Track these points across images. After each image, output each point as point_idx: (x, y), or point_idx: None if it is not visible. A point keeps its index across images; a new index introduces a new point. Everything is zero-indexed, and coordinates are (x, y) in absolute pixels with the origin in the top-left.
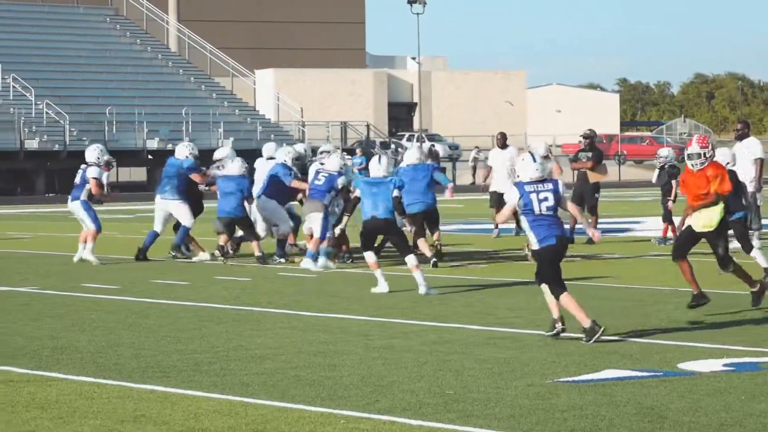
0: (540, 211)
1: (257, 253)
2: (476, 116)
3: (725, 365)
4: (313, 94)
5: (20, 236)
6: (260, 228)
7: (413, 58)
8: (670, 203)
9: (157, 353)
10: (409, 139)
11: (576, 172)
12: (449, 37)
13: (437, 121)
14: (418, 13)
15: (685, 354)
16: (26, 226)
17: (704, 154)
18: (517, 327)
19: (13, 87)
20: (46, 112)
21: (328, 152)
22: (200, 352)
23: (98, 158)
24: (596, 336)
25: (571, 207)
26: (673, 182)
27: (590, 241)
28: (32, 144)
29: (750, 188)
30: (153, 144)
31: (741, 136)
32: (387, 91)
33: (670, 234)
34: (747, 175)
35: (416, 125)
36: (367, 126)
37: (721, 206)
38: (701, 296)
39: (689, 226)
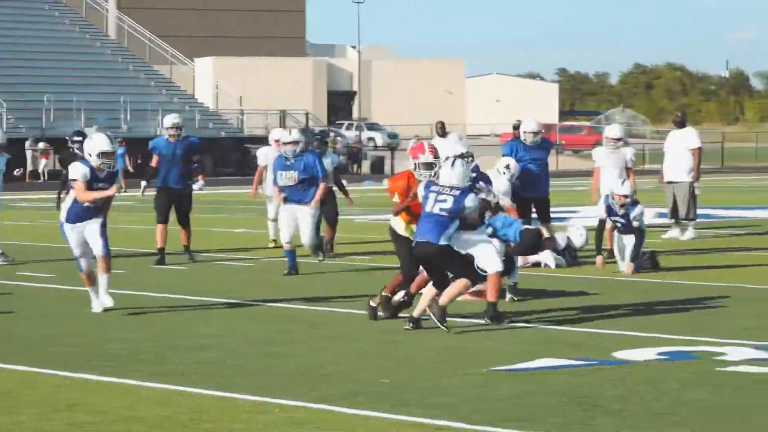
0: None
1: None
2: (416, 105)
3: (659, 354)
4: (252, 82)
5: None
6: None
7: (353, 47)
8: None
9: (98, 341)
10: (348, 128)
11: None
12: (391, 26)
13: (376, 110)
14: (358, 2)
15: (619, 343)
16: None
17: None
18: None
19: None
20: None
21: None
22: (140, 341)
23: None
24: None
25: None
26: None
27: None
28: None
29: (688, 178)
30: (90, 132)
31: (679, 125)
32: (326, 80)
33: None
34: (684, 164)
35: (355, 114)
36: (306, 115)
37: None
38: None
39: None
